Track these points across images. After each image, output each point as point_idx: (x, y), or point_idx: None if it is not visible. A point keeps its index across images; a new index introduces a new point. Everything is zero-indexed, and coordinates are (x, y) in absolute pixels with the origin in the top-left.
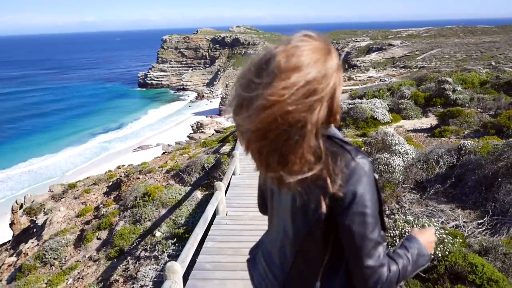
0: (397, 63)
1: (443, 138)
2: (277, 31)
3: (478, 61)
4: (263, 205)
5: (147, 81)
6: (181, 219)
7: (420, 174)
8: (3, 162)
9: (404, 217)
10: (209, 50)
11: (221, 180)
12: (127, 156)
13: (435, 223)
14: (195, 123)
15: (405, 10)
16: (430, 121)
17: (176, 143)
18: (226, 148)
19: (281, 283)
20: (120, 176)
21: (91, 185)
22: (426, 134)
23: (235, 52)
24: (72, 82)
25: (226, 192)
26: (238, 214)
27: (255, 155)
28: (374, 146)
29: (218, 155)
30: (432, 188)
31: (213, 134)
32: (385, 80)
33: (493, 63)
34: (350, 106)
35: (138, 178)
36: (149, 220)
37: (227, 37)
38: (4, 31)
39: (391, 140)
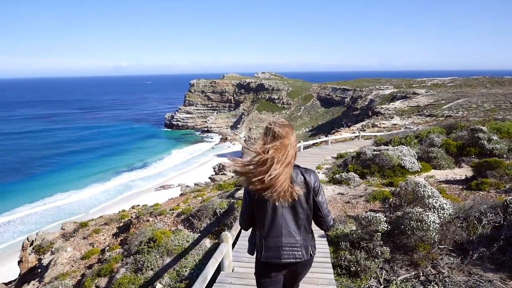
0: (422, 111)
1: (481, 192)
2: (300, 78)
3: (508, 111)
4: (249, 224)
5: (173, 122)
6: (186, 270)
7: (460, 233)
8: (31, 197)
9: None
10: (234, 94)
11: (231, 228)
12: (149, 195)
13: None
14: (217, 165)
15: (429, 60)
16: (464, 172)
17: (195, 184)
18: (241, 192)
19: (300, 244)
20: (131, 217)
21: (102, 224)
22: (461, 187)
23: (260, 97)
24: (101, 122)
25: (235, 243)
26: (247, 271)
27: (275, 187)
28: (403, 198)
29: (232, 200)
30: (476, 252)
31: (232, 177)
32: (411, 128)
33: None
34: (375, 152)
35: (148, 220)
36: (152, 269)
37: (252, 82)
38: (40, 73)
39: (423, 192)
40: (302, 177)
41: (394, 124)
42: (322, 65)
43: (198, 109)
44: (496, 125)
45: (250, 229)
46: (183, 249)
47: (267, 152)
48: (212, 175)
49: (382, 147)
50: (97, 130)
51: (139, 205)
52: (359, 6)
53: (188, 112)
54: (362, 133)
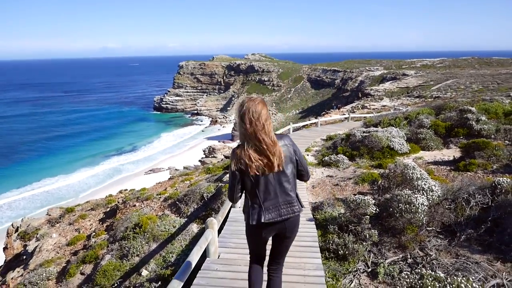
0: (412, 92)
1: (469, 173)
2: (290, 59)
3: (496, 92)
4: (239, 198)
5: (163, 105)
6: (172, 256)
7: (448, 215)
8: (18, 182)
9: (432, 273)
10: (224, 77)
11: (218, 213)
12: (139, 179)
13: (473, 284)
14: (207, 148)
15: (419, 41)
16: (452, 153)
17: (184, 167)
18: (227, 176)
19: (295, 200)
20: (118, 203)
21: (89, 210)
22: (449, 168)
23: (250, 78)
24: (89, 105)
25: (222, 228)
26: (233, 257)
27: (275, 155)
28: (392, 180)
29: (220, 184)
30: (463, 233)
31: (222, 160)
32: (400, 109)
33: (511, 94)
34: (365, 134)
35: (134, 205)
36: (138, 255)
37: (242, 64)
38: (25, 55)
39: (412, 174)
40: (284, 142)
41: (384, 106)
42: (312, 46)
43: (188, 92)
44: (485, 105)
45: (239, 208)
46: (169, 235)
47: (251, 127)
48: (202, 158)
49: (372, 128)
50: (85, 114)
51: (126, 190)
52: None
53: (177, 95)
54: (352, 115)
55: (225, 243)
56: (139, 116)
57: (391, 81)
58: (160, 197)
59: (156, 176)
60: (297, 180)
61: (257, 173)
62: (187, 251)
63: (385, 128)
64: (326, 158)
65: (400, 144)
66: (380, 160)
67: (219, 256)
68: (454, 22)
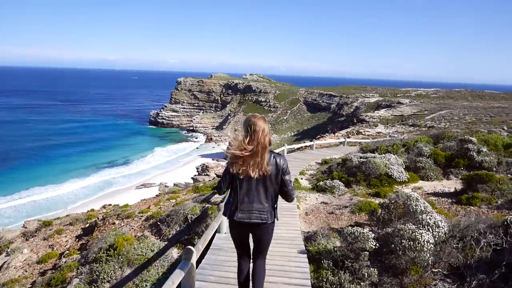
0: (406, 121)
1: (472, 207)
2: (288, 81)
3: (489, 125)
4: (225, 191)
5: (159, 119)
6: (146, 285)
7: (456, 256)
8: (6, 189)
9: None
10: (222, 95)
11: (201, 237)
12: (130, 193)
13: None
14: (200, 165)
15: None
16: (452, 184)
17: (174, 184)
18: (218, 196)
19: (267, 210)
20: (97, 219)
21: (67, 224)
22: (450, 200)
23: (247, 98)
24: (85, 116)
25: (203, 257)
26: None
27: (255, 164)
28: (393, 212)
29: (207, 205)
30: (474, 278)
31: (213, 178)
32: (395, 136)
33: (505, 127)
34: (362, 160)
35: (114, 223)
36: (108, 281)
37: (240, 83)
38: (27, 62)
39: (415, 206)
40: (274, 160)
41: (379, 132)
42: (311, 70)
43: (184, 108)
44: (484, 137)
45: (225, 234)
46: (146, 259)
47: (251, 137)
48: (195, 175)
49: (369, 154)
50: (79, 124)
51: (110, 205)
52: (353, 14)
53: (174, 110)
54: (348, 140)
55: (204, 276)
56: (134, 129)
57: (386, 109)
58: (142, 216)
59: (148, 191)
60: (290, 206)
61: (241, 177)
62: (163, 280)
63: (383, 155)
64: (321, 183)
65: (399, 172)
66: (377, 188)
67: None
68: (449, 54)
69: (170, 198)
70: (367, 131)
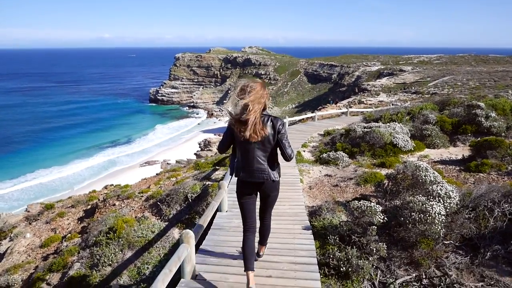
0: (408, 88)
1: (481, 174)
2: (287, 53)
3: (493, 89)
4: (225, 150)
5: (158, 97)
6: (148, 267)
7: (468, 227)
8: (11, 173)
9: None
10: (221, 69)
11: (201, 216)
12: (134, 171)
13: None
14: (202, 141)
15: (415, 37)
16: (460, 151)
17: (176, 161)
18: (219, 173)
19: (266, 169)
20: (98, 200)
21: (69, 207)
22: (458, 168)
23: (246, 72)
24: (84, 97)
25: (203, 239)
26: (214, 277)
27: (251, 127)
28: (401, 183)
29: (208, 183)
30: (488, 249)
31: (216, 153)
32: (397, 105)
33: (510, 91)
34: (366, 130)
35: (114, 204)
36: (110, 264)
37: (239, 57)
38: (20, 44)
39: (425, 176)
40: (271, 122)
41: (381, 101)
42: (309, 40)
43: (184, 84)
44: (491, 101)
45: (226, 213)
46: (147, 241)
47: (247, 103)
48: (198, 151)
49: (373, 123)
50: (79, 105)
51: (112, 185)
52: None
53: (173, 87)
54: (350, 109)
55: (205, 258)
56: (135, 108)
57: (388, 77)
58: (142, 196)
59: (151, 169)
60: (292, 181)
61: (241, 139)
62: (165, 262)
63: (387, 124)
64: (324, 155)
65: (404, 141)
66: (382, 158)
67: (196, 276)
68: (450, 19)
69: (170, 176)
70: (369, 100)
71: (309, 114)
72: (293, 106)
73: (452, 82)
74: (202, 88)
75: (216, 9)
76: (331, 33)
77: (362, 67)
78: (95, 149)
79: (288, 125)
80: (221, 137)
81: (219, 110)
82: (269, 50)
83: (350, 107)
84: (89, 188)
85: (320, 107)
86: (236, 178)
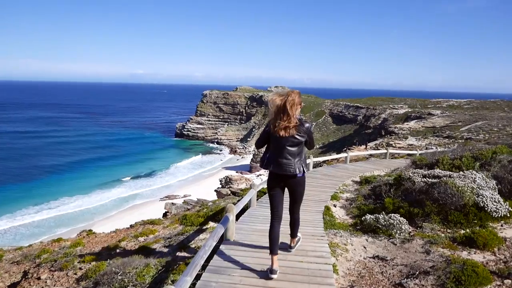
0: (439, 132)
1: None
2: (313, 93)
3: None
4: (262, 147)
5: (184, 132)
6: None
7: None
8: (36, 200)
9: None
10: (246, 107)
11: None
12: (154, 204)
13: None
14: (224, 178)
15: (443, 82)
16: None
17: (184, 202)
18: (203, 237)
19: (294, 164)
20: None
21: (13, 263)
22: None
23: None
24: (113, 129)
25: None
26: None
27: (287, 126)
28: None
29: (176, 254)
30: None
31: (228, 194)
32: (432, 148)
33: None
34: (431, 180)
35: (39, 278)
36: None
37: (264, 96)
38: (59, 78)
39: None
40: (302, 124)
41: (410, 144)
42: (335, 82)
43: (209, 120)
44: None
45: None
46: None
47: (283, 105)
48: (219, 187)
49: (437, 172)
50: (107, 137)
51: (91, 231)
52: (376, 27)
53: (199, 123)
54: (391, 150)
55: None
56: (160, 141)
57: (416, 120)
58: (78, 269)
59: (174, 202)
60: (320, 263)
61: (275, 135)
62: None
63: (460, 173)
64: (368, 217)
65: (494, 200)
66: (463, 226)
67: None
68: (480, 64)
69: (140, 234)
70: (398, 143)
71: (339, 155)
72: (318, 146)
73: (487, 127)
74: (227, 125)
75: (245, 49)
76: (357, 75)
77: (388, 110)
78: (118, 181)
79: (312, 167)
80: (260, 136)
81: (243, 148)
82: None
83: (378, 149)
84: (109, 221)
85: (345, 148)
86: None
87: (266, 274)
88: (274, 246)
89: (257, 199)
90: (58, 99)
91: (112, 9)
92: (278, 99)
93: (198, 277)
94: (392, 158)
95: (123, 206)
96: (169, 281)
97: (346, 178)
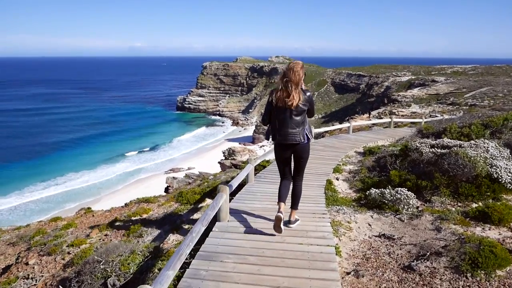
0: (443, 99)
1: None
2: (314, 63)
3: None
4: (267, 119)
5: (185, 105)
6: None
7: None
8: (43, 176)
9: None
10: (247, 78)
11: None
12: (159, 178)
13: None
14: (227, 150)
15: (448, 48)
16: None
17: (185, 175)
18: (196, 216)
19: (298, 133)
20: (20, 252)
21: (9, 244)
22: None
23: (273, 81)
24: (114, 104)
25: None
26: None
27: (291, 97)
28: None
29: (165, 237)
30: None
31: (230, 167)
32: (436, 116)
33: None
34: (441, 151)
35: (27, 263)
36: None
37: (265, 66)
38: (56, 52)
39: None
40: (305, 94)
41: (414, 112)
42: (337, 50)
43: (210, 92)
44: None
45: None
46: None
47: (287, 76)
48: (222, 159)
49: (446, 140)
50: (109, 112)
51: (90, 208)
52: None
53: (200, 95)
54: (395, 119)
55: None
56: (162, 115)
57: (419, 87)
58: (66, 255)
59: (176, 176)
60: (321, 244)
61: (279, 106)
62: None
63: (470, 142)
64: (373, 192)
65: (509, 171)
66: (475, 199)
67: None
68: (482, 29)
69: (134, 213)
70: (401, 111)
71: (341, 125)
72: (320, 116)
73: (492, 93)
74: (228, 96)
75: (243, 19)
76: (359, 43)
77: (391, 78)
78: (122, 156)
79: (314, 138)
80: (263, 112)
81: (245, 119)
82: (295, 59)
83: (380, 117)
84: (115, 195)
85: (347, 117)
86: (273, 141)
87: (272, 224)
88: (283, 195)
89: (256, 174)
90: (57, 75)
91: None
92: (283, 71)
93: (187, 264)
94: (395, 127)
95: (128, 180)
96: (156, 270)
97: (349, 149)
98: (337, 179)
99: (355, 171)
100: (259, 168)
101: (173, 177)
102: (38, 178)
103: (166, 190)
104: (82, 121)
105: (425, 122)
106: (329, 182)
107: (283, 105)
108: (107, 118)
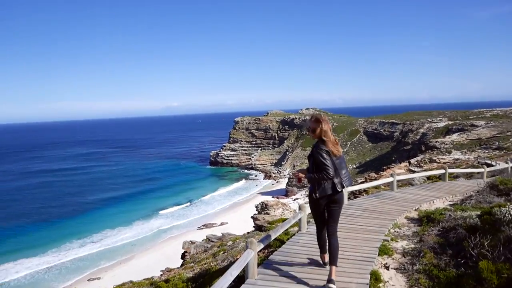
0: (486, 144)
1: None
2: (345, 113)
3: None
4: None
5: (218, 159)
6: None
7: None
8: (79, 233)
9: None
10: (278, 131)
11: None
12: (192, 234)
13: None
14: (259, 204)
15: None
16: None
17: (206, 237)
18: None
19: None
20: None
21: None
22: None
23: (304, 133)
24: (150, 160)
25: None
26: None
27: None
28: None
29: None
30: None
31: (254, 230)
32: (487, 162)
33: None
34: None
35: None
36: None
37: (296, 118)
38: (99, 115)
39: None
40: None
41: (456, 159)
42: (367, 100)
43: (242, 146)
44: None
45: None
46: None
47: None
48: (255, 214)
49: None
50: (145, 169)
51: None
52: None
53: (232, 149)
54: (450, 170)
55: None
56: (195, 170)
57: (458, 133)
58: None
59: (209, 231)
60: None
61: (335, 155)
62: None
63: None
64: None
65: None
66: None
67: None
68: None
69: (184, 270)
70: (442, 158)
71: (381, 180)
72: (354, 166)
73: None
74: (260, 150)
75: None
76: (389, 91)
77: (427, 124)
78: (157, 213)
79: (348, 198)
80: (327, 163)
81: (277, 172)
82: (326, 110)
83: (420, 166)
84: (148, 253)
85: (384, 167)
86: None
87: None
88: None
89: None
90: (99, 135)
91: (143, 50)
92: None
93: None
94: (450, 181)
95: (162, 237)
96: None
97: (397, 215)
98: (387, 267)
99: (412, 253)
100: (275, 243)
101: (191, 241)
102: (75, 236)
103: (183, 256)
104: (119, 179)
105: (498, 169)
106: (375, 277)
107: (337, 153)
108: (143, 175)
